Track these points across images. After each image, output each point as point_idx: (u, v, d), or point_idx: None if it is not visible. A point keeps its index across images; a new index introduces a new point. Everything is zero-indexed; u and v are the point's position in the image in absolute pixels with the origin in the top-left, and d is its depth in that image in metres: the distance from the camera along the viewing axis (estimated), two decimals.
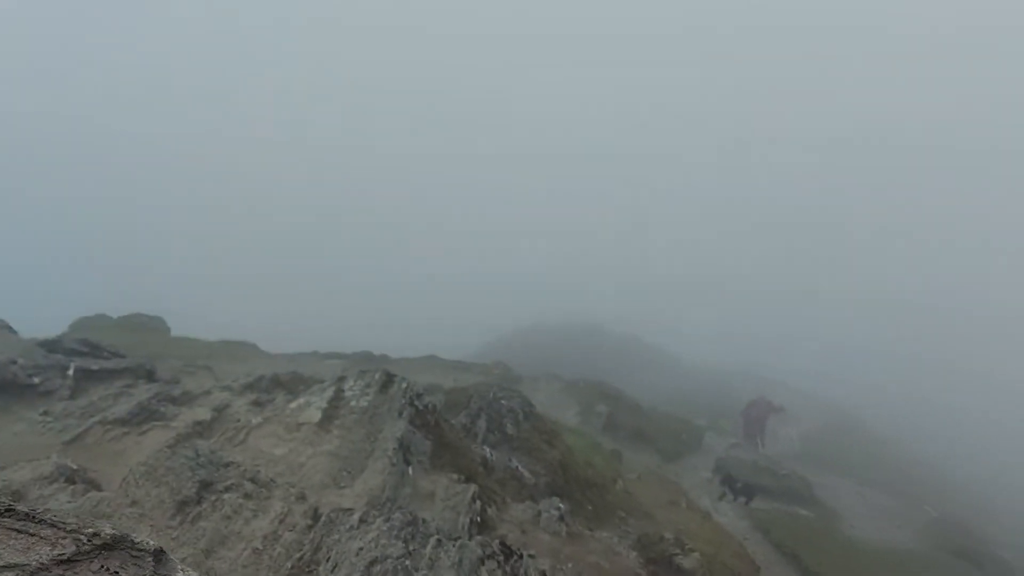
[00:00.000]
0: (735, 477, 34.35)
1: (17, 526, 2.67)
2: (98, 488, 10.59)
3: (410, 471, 14.75)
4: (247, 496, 9.76)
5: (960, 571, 33.25)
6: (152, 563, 2.83)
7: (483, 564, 8.07)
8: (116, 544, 2.79)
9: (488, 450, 20.49)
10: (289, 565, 8.11)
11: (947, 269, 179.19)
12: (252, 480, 10.23)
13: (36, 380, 17.57)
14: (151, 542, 2.95)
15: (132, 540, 2.87)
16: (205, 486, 9.66)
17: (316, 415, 15.20)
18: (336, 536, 8.34)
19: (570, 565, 14.62)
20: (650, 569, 17.05)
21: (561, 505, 17.44)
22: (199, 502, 9.30)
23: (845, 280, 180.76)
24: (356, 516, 8.61)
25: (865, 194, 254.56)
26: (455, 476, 15.61)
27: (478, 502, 14.70)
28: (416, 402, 17.09)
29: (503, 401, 24.43)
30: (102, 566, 2.67)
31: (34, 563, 2.50)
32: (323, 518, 9.12)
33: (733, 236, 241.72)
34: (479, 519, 14.46)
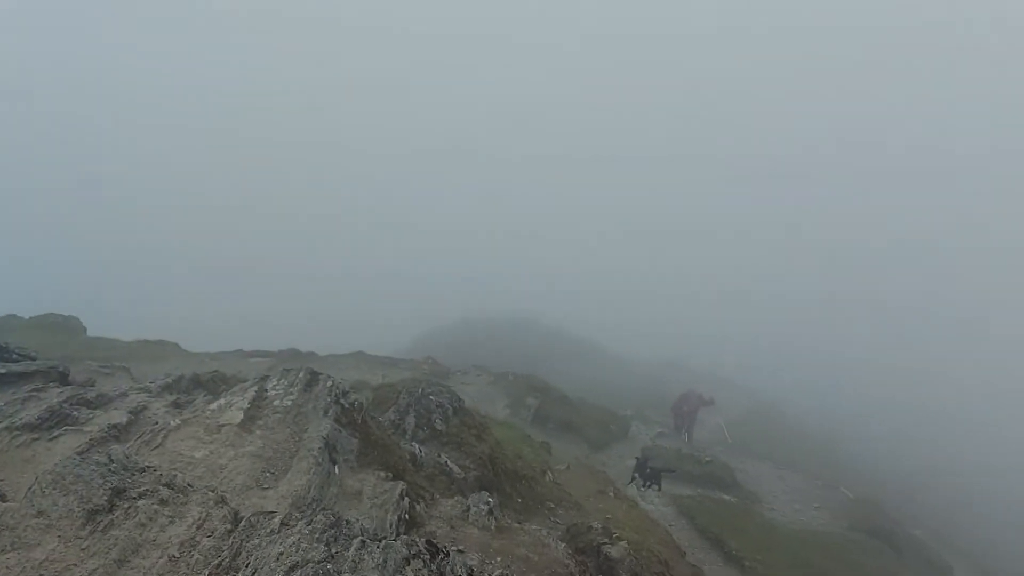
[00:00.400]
0: (643, 463, 34.78)
1: None
2: (2, 498, 10.07)
3: (336, 470, 14.52)
4: (163, 502, 9.43)
5: (875, 549, 34.68)
6: None
7: (408, 564, 7.98)
8: None
9: (417, 446, 20.34)
10: (207, 572, 7.87)
11: (874, 271, 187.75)
12: (168, 485, 9.88)
13: None
14: None
15: None
16: (118, 493, 9.28)
17: (238, 416, 14.79)
18: (256, 541, 8.13)
19: (499, 559, 14.63)
20: (578, 559, 17.21)
21: (490, 499, 17.44)
22: (111, 510, 8.93)
23: (779, 284, 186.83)
24: (277, 520, 8.41)
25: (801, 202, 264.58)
26: (383, 474, 15.44)
27: (406, 499, 14.58)
28: (342, 400, 16.83)
29: (432, 396, 24.31)
30: None
31: None
32: (243, 522, 8.88)
33: (669, 238, 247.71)
34: (407, 516, 14.34)
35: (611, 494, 28.58)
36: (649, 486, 33.96)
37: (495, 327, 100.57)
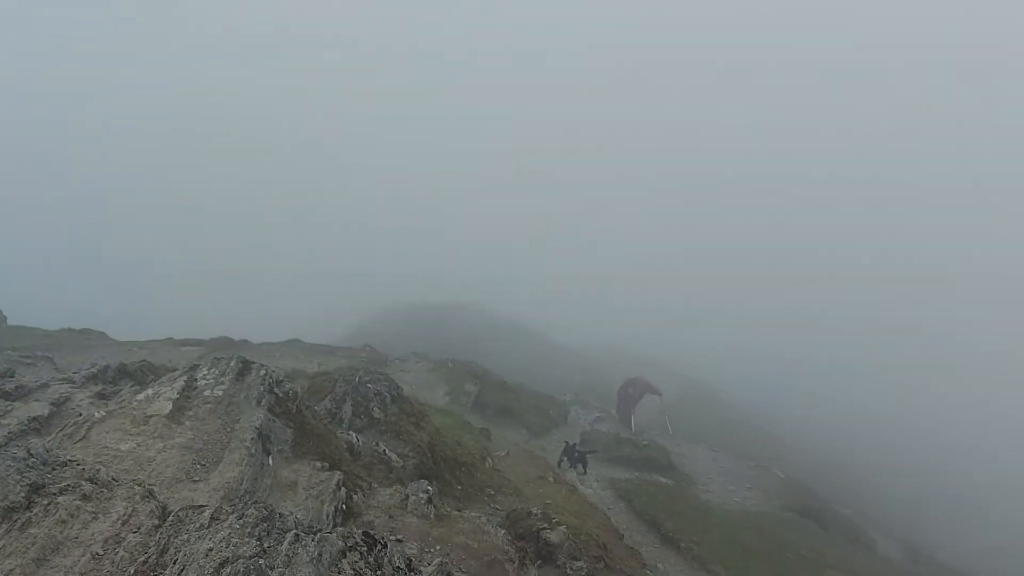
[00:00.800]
0: (571, 447, 35.14)
1: None
2: None
3: (270, 461, 14.18)
4: (85, 497, 9.02)
5: (804, 527, 35.71)
6: None
7: (344, 557, 7.79)
8: None
9: (354, 435, 20.05)
10: (132, 570, 7.54)
11: (806, 276, 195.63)
12: (91, 480, 9.46)
13: None
14: None
15: None
16: (36, 489, 8.83)
17: (166, 406, 14.28)
18: (184, 536, 7.82)
19: (438, 547, 14.53)
20: (518, 545, 17.23)
21: (430, 487, 17.30)
22: (29, 507, 8.49)
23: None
24: (207, 514, 8.11)
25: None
26: (319, 464, 15.15)
27: (343, 489, 14.33)
28: (276, 389, 16.44)
29: (369, 384, 23.99)
30: None
31: None
32: (171, 517, 8.55)
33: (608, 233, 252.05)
34: (345, 507, 14.11)
35: (551, 479, 28.72)
36: (576, 468, 34.32)
37: (433, 314, 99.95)
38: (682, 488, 37.34)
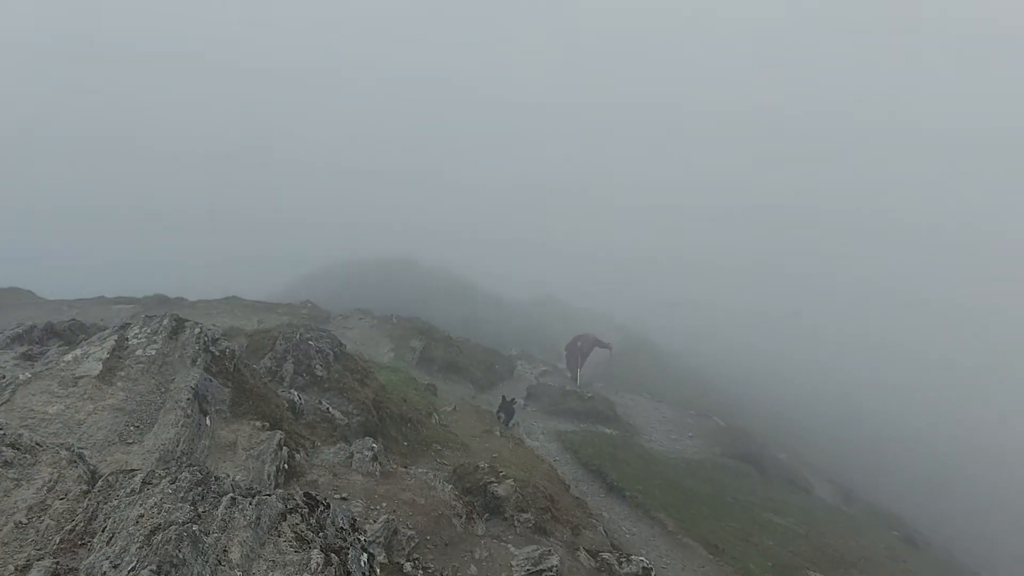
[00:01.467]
0: (508, 403, 35.10)
1: None
2: None
3: (208, 422, 13.74)
4: (7, 464, 8.51)
5: (743, 472, 36.70)
6: None
7: (285, 519, 7.51)
8: None
9: (296, 394, 19.63)
10: (58, 539, 7.14)
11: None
12: (13, 445, 8.93)
13: None
14: None
15: None
16: None
17: (96, 367, 13.66)
18: (115, 502, 7.42)
19: (384, 504, 14.37)
20: (465, 500, 17.19)
21: (375, 444, 17.07)
22: None
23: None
24: (138, 478, 7.70)
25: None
26: (259, 424, 14.75)
27: (285, 449, 14.00)
28: (212, 348, 15.89)
29: (311, 342, 23.49)
30: None
31: None
32: (100, 482, 8.13)
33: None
34: (287, 467, 13.80)
35: (497, 434, 28.76)
36: (509, 421, 34.37)
37: (376, 269, 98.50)
38: (626, 438, 37.88)
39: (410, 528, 14.06)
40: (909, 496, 48.36)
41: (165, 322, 15.72)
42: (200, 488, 7.32)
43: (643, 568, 16.97)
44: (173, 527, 6.43)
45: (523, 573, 14.53)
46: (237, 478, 9.77)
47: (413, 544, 13.69)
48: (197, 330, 15.85)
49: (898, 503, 46.04)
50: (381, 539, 12.59)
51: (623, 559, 17.31)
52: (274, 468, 12.87)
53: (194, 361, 14.74)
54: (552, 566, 14.63)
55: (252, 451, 13.25)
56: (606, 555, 17.45)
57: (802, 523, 31.03)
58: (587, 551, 17.52)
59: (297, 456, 14.52)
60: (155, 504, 6.92)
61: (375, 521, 13.06)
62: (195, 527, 6.57)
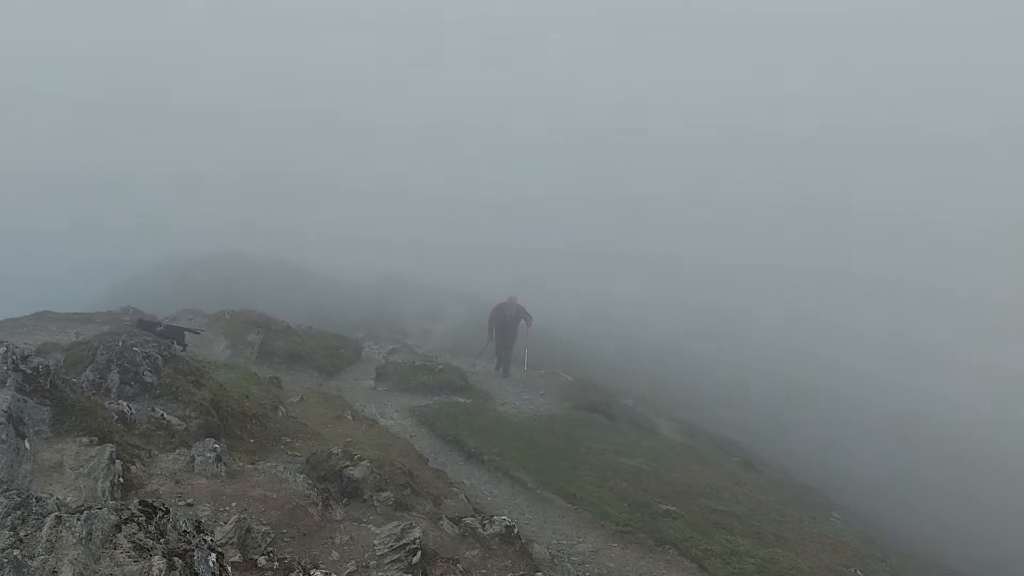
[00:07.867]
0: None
1: None
2: None
3: (27, 444, 12.67)
4: None
5: (594, 421, 38.24)
6: None
7: (120, 530, 7.12)
8: None
9: (125, 404, 18.43)
10: None
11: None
12: None
13: None
14: None
15: None
16: None
17: None
18: None
19: (234, 504, 13.88)
20: (320, 487, 16.91)
21: (217, 445, 16.38)
22: None
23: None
24: None
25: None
26: (86, 440, 13.76)
27: (118, 462, 13.18)
28: (23, 366, 14.61)
29: (137, 348, 22.07)
30: None
31: None
32: None
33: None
34: (122, 480, 13.02)
35: (349, 417, 28.35)
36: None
37: (201, 266, 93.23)
38: (480, 405, 38.33)
39: (264, 524, 13.67)
40: (751, 426, 52.20)
41: None
42: (20, 512, 6.81)
43: (506, 527, 17.37)
44: None
45: (386, 550, 14.51)
46: (68, 499, 9.18)
47: (269, 539, 13.33)
48: (3, 349, 14.53)
49: (739, 433, 49.63)
50: (234, 539, 12.17)
51: (486, 521, 17.65)
52: (108, 484, 12.11)
53: (3, 382, 13.53)
54: (415, 538, 14.70)
55: (81, 469, 12.39)
56: (469, 520, 17.73)
57: (651, 461, 32.77)
58: (450, 519, 17.73)
59: (133, 468, 13.72)
60: None
61: (226, 522, 12.64)
62: (16, 552, 6.13)
